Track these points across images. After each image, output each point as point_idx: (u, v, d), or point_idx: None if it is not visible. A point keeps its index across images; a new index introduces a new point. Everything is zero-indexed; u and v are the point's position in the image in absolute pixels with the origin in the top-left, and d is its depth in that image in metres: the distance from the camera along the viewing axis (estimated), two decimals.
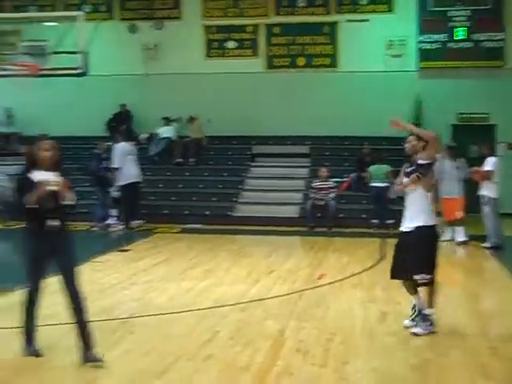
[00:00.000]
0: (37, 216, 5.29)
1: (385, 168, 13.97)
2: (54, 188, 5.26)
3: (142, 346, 5.88)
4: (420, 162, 6.11)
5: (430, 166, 6.12)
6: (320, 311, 7.15)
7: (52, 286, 8.25)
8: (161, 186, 15.94)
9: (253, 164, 16.75)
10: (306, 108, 16.90)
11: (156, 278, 9.03)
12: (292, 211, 14.78)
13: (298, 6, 17.38)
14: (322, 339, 6.04)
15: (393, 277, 6.33)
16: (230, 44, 17.75)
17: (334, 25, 17.22)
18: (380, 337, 6.13)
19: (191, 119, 16.80)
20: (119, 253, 10.98)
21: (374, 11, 16.99)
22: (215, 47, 17.85)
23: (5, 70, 14.47)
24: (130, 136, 15.26)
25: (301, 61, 17.50)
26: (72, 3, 17.67)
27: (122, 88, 17.50)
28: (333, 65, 17.29)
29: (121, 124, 16.72)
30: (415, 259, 6.06)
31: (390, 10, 16.91)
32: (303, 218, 14.30)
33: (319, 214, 14.16)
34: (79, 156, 16.65)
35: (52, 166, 5.40)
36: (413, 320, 6.26)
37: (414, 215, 6.12)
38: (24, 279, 5.52)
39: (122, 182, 13.58)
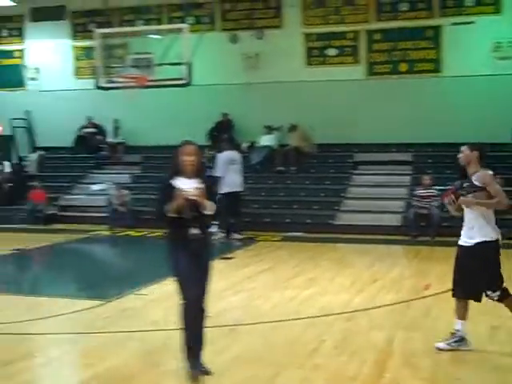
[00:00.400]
0: (177, 225, 5.12)
1: None
2: (194, 197, 5.06)
3: (249, 353, 5.93)
4: (476, 182, 5.83)
5: (483, 189, 5.80)
6: (427, 322, 6.99)
7: (156, 293, 8.56)
8: (263, 194, 16.08)
9: (355, 172, 16.58)
10: (408, 115, 16.57)
11: (260, 285, 9.11)
12: (394, 219, 14.52)
13: (400, 10, 17.07)
14: (430, 352, 5.89)
15: (454, 295, 6.04)
16: (331, 51, 17.68)
17: (437, 28, 16.80)
18: (492, 354, 5.89)
19: (293, 127, 16.85)
20: (223, 260, 11.13)
21: (480, 13, 16.43)
22: (315, 55, 17.82)
23: (113, 82, 15.06)
24: (233, 145, 15.46)
25: (403, 67, 17.20)
26: (176, 16, 18.15)
27: (224, 97, 17.78)
28: (436, 70, 16.88)
29: (222, 133, 16.99)
30: (482, 276, 5.82)
31: (497, 11, 16.31)
32: (405, 227, 14.03)
33: (422, 223, 13.85)
34: None
35: (194, 173, 5.19)
36: (448, 344, 5.92)
37: (473, 230, 5.84)
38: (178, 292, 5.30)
39: (223, 191, 13.73)
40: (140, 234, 14.73)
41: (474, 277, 5.85)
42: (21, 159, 19.39)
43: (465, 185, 5.91)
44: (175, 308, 7.67)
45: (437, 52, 16.81)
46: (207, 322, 6.84)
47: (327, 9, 17.57)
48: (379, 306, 7.70)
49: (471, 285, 5.88)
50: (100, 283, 10.03)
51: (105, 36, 15.37)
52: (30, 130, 19.71)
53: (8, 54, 20.19)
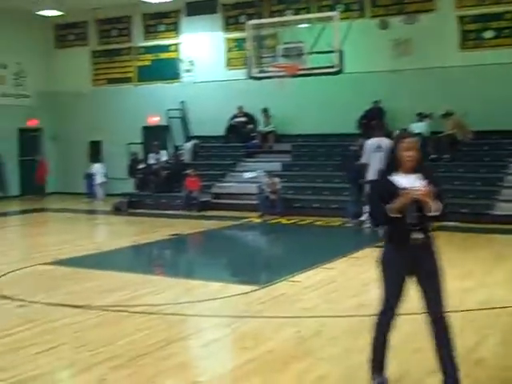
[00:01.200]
0: (397, 227, 4.55)
1: None
2: (419, 196, 4.44)
3: (408, 344, 5.80)
4: None
5: None
6: None
7: (309, 281, 8.60)
8: None
9: None
10: None
11: None
12: None
13: None
14: None
15: None
16: (487, 34, 16.88)
17: None
18: None
19: (447, 114, 16.26)
20: (376, 249, 10.97)
21: None
22: (470, 38, 17.07)
23: (265, 71, 15.32)
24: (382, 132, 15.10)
25: None
26: (325, 4, 18.13)
27: (374, 84, 17.52)
28: None
29: (372, 121, 16.73)
30: None
31: None
32: None
33: None
34: (333, 153, 17.06)
35: (413, 169, 4.59)
36: None
37: None
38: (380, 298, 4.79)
39: (368, 178, 13.44)
40: (291, 221, 14.89)
41: None
42: (176, 148, 20.22)
43: None
44: (328, 295, 7.77)
45: None
46: (362, 310, 6.87)
47: None
48: None
49: None
50: (253, 269, 10.27)
51: (256, 27, 15.66)
52: (184, 120, 20.49)
53: (165, 48, 21.12)
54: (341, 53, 14.11)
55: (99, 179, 20.60)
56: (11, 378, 5.17)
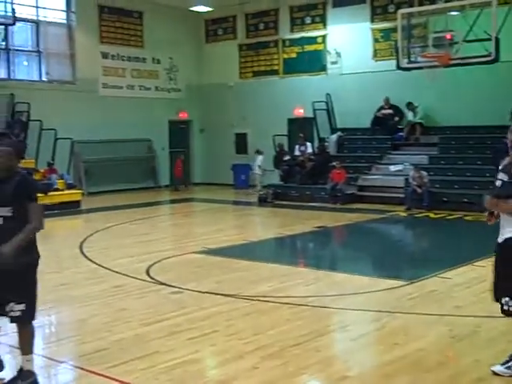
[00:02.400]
0: None
1: None
2: None
3: None
4: None
5: None
6: None
7: (460, 278, 8.29)
8: None
9: None
10: None
11: None
12: None
13: None
14: None
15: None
16: None
17: None
18: None
19: None
20: None
21: None
22: None
23: (414, 62, 14.91)
24: None
25: None
26: None
27: None
28: None
29: None
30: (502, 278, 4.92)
31: None
32: None
33: None
34: (483, 146, 16.30)
35: None
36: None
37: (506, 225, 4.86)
38: None
39: None
40: (438, 216, 14.44)
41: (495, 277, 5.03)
42: (321, 140, 20.15)
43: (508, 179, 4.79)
44: (481, 294, 7.44)
45: None
46: None
47: None
48: None
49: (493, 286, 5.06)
50: (400, 264, 10.07)
51: (406, 16, 15.27)
52: (329, 112, 20.40)
53: (311, 40, 21.11)
54: (497, 40, 13.42)
55: (255, 170, 20.45)
56: (170, 361, 5.40)
